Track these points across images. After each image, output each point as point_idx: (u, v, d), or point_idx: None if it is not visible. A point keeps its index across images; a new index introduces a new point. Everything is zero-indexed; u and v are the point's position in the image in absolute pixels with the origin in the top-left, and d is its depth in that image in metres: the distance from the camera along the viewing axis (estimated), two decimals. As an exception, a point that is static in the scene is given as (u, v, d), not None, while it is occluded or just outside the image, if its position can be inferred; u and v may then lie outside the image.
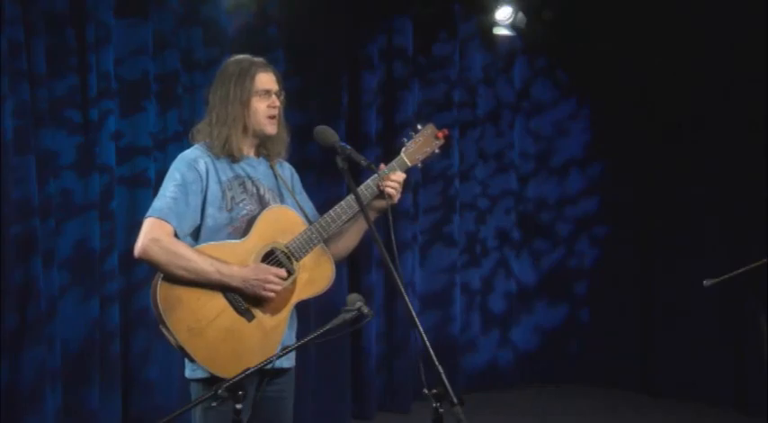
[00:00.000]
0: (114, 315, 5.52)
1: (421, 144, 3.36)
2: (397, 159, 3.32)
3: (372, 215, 3.27)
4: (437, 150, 3.39)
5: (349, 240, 3.37)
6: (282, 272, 3.13)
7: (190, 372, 3.19)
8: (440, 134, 3.38)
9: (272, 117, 3.27)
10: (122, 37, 5.62)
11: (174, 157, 5.49)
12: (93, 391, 5.42)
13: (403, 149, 3.34)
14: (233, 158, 3.24)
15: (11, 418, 5.10)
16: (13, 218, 5.13)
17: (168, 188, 3.15)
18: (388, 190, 3.22)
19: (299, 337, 2.82)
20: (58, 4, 5.38)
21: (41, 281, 5.20)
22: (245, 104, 3.23)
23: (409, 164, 3.32)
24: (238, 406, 2.64)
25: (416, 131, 3.38)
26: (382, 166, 3.26)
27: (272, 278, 3.09)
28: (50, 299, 5.27)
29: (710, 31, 6.85)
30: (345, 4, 6.57)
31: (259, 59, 3.33)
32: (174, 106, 5.80)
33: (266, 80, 3.27)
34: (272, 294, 3.10)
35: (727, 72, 6.80)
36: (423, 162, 3.37)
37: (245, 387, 2.67)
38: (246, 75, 3.25)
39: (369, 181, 3.24)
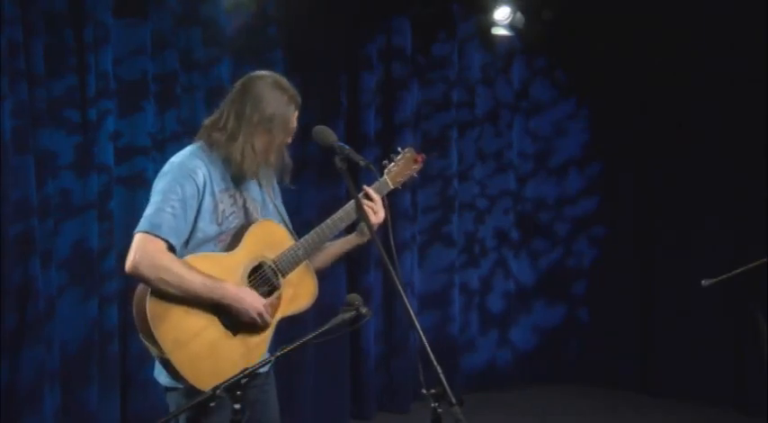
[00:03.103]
0: (113, 315, 5.52)
1: (402, 167, 3.43)
2: (380, 181, 3.37)
3: (358, 240, 3.35)
4: (415, 174, 3.49)
5: (322, 261, 3.40)
6: (269, 308, 3.12)
7: (169, 380, 3.14)
8: (418, 158, 3.47)
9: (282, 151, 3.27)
10: (121, 37, 5.61)
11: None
12: (92, 392, 5.41)
13: (385, 171, 3.40)
14: (242, 177, 3.20)
15: (10, 419, 5.09)
16: (12, 218, 5.13)
17: (168, 202, 3.04)
18: (367, 210, 3.22)
19: (298, 339, 2.81)
20: (56, 4, 5.37)
21: (40, 281, 5.19)
22: (284, 141, 3.22)
23: (391, 186, 3.39)
24: (237, 406, 2.64)
25: (397, 154, 3.45)
26: (365, 188, 3.28)
27: (263, 311, 3.09)
28: (49, 299, 5.27)
29: (710, 30, 6.85)
30: (344, 4, 6.57)
31: (295, 91, 3.26)
32: (172, 106, 5.79)
33: (295, 119, 3.26)
34: (258, 321, 3.09)
35: (727, 72, 6.80)
36: (402, 185, 3.45)
37: (243, 387, 2.66)
38: (291, 108, 3.21)
39: (346, 206, 3.25)
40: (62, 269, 5.41)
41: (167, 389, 3.18)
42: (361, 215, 3.11)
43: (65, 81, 5.42)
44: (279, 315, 3.21)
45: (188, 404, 2.75)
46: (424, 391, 2.51)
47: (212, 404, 2.63)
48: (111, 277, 5.51)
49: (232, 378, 2.63)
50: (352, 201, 3.21)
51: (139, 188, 5.64)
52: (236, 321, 3.10)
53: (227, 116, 3.19)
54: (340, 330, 2.73)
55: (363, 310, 2.74)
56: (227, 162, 3.18)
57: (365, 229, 3.26)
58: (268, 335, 3.19)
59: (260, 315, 3.09)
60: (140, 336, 3.08)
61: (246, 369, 2.67)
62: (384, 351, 6.89)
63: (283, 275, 3.19)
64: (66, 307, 5.40)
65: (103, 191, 5.51)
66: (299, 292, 3.24)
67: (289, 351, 2.84)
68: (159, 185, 3.11)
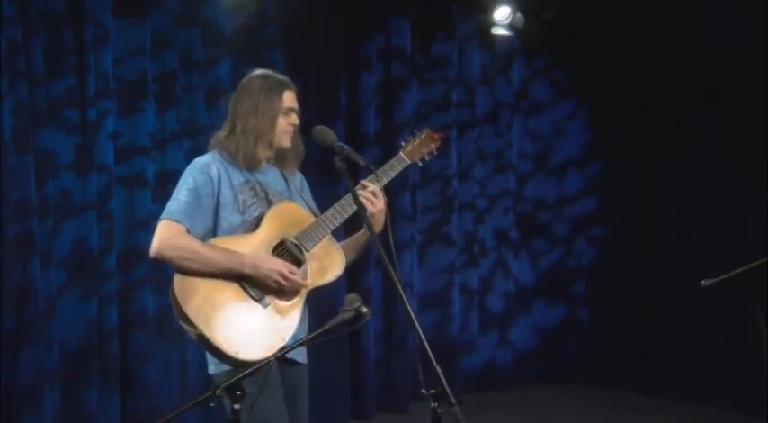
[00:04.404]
0: (112, 315, 5.52)
1: (418, 145, 3.53)
2: (396, 157, 3.47)
3: (367, 233, 3.38)
4: (435, 151, 3.57)
5: (348, 254, 3.47)
6: (293, 267, 3.22)
7: (214, 367, 3.25)
8: (436, 136, 3.57)
9: (288, 132, 3.39)
10: (120, 37, 5.61)
11: (172, 158, 5.50)
12: (92, 392, 5.42)
13: (401, 149, 3.50)
14: (248, 168, 3.35)
15: (9, 419, 5.09)
16: (12, 218, 5.13)
17: (181, 192, 3.26)
18: (363, 200, 3.27)
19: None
20: (56, 4, 5.37)
21: (39, 281, 5.19)
22: (273, 120, 3.34)
23: (408, 160, 3.49)
24: (236, 406, 2.63)
25: (413, 134, 3.56)
26: (361, 182, 3.34)
27: (284, 271, 3.18)
28: (48, 299, 5.27)
29: (710, 30, 6.85)
30: (344, 4, 6.57)
31: (284, 77, 3.45)
32: (172, 106, 5.79)
33: (290, 98, 3.41)
34: (282, 282, 3.17)
35: (727, 72, 6.79)
36: (421, 161, 3.55)
37: (243, 387, 2.66)
38: (275, 91, 3.37)
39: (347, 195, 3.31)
40: (62, 269, 5.41)
41: (213, 376, 3.27)
42: (360, 207, 3.13)
43: (64, 81, 5.42)
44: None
45: (187, 404, 2.74)
46: (424, 391, 2.51)
47: (212, 405, 2.63)
48: (111, 277, 5.52)
49: (232, 378, 2.63)
50: (343, 198, 3.33)
51: (139, 188, 5.65)
52: (263, 293, 3.19)
53: (229, 119, 3.42)
54: (340, 330, 2.73)
55: (363, 310, 2.74)
56: (249, 165, 3.34)
57: (368, 220, 3.30)
58: (298, 302, 3.25)
59: (281, 275, 3.17)
60: (179, 322, 3.15)
61: (246, 370, 2.67)
62: (384, 351, 6.89)
63: (306, 250, 3.27)
64: (65, 307, 5.40)
65: (103, 191, 5.51)
66: (325, 265, 3.33)
67: (288, 351, 2.84)
68: (178, 183, 3.32)
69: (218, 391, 2.60)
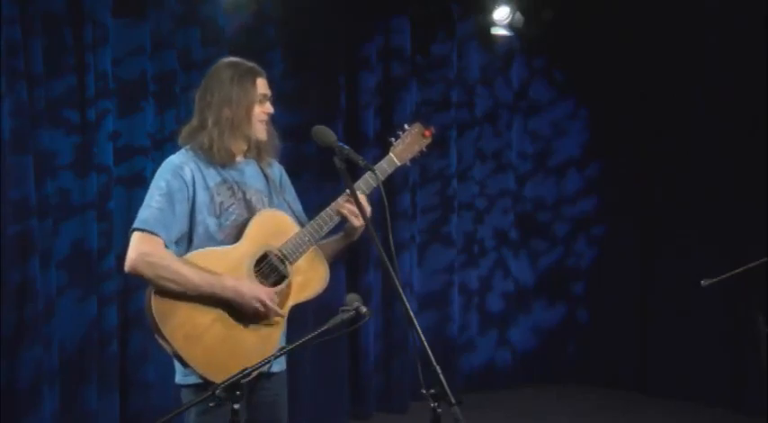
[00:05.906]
0: (112, 315, 5.52)
1: (409, 143, 3.36)
2: (385, 159, 3.33)
3: (346, 239, 3.32)
4: (425, 149, 3.40)
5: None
6: (273, 295, 3.11)
7: (181, 377, 3.19)
8: (427, 132, 3.39)
9: (264, 121, 3.27)
10: (120, 37, 5.62)
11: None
12: (91, 392, 5.42)
13: (391, 149, 3.35)
14: (223, 164, 3.22)
15: (9, 419, 5.09)
16: (11, 218, 5.13)
17: (154, 198, 3.14)
18: (344, 212, 3.21)
19: (297, 338, 2.81)
20: (55, 3, 5.38)
21: (39, 281, 5.20)
22: (249, 110, 3.22)
23: (398, 162, 3.33)
24: (236, 406, 2.62)
25: (404, 131, 3.38)
26: (340, 201, 3.23)
27: (265, 299, 3.08)
28: (48, 299, 5.27)
29: (710, 30, 6.85)
30: (344, 4, 6.57)
31: (254, 64, 3.34)
32: (171, 106, 5.79)
33: (264, 85, 3.29)
34: (262, 310, 3.09)
35: (727, 72, 6.79)
36: (411, 161, 3.39)
37: (242, 387, 2.65)
38: (247, 79, 3.25)
39: (333, 204, 3.23)
40: (61, 269, 5.41)
41: (180, 386, 3.22)
42: (359, 206, 3.09)
43: (64, 81, 5.42)
44: (291, 302, 3.20)
45: (187, 404, 2.74)
46: (424, 390, 2.50)
47: (212, 404, 2.62)
48: (111, 277, 5.52)
49: (231, 378, 2.62)
50: (329, 206, 3.23)
51: (138, 188, 5.63)
52: (244, 315, 3.11)
53: (197, 112, 3.27)
54: (339, 330, 2.72)
55: (363, 310, 2.73)
56: (222, 160, 3.21)
57: (349, 230, 3.28)
58: (281, 324, 3.18)
59: (262, 304, 3.07)
60: (154, 334, 3.09)
61: (246, 369, 2.66)
62: (383, 351, 6.89)
63: (291, 263, 3.17)
64: (65, 307, 5.40)
65: (102, 191, 5.51)
66: (309, 279, 3.23)
67: (288, 351, 2.83)
68: (150, 186, 3.20)
69: (217, 392, 2.59)
